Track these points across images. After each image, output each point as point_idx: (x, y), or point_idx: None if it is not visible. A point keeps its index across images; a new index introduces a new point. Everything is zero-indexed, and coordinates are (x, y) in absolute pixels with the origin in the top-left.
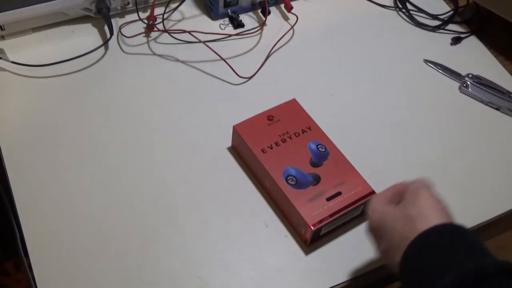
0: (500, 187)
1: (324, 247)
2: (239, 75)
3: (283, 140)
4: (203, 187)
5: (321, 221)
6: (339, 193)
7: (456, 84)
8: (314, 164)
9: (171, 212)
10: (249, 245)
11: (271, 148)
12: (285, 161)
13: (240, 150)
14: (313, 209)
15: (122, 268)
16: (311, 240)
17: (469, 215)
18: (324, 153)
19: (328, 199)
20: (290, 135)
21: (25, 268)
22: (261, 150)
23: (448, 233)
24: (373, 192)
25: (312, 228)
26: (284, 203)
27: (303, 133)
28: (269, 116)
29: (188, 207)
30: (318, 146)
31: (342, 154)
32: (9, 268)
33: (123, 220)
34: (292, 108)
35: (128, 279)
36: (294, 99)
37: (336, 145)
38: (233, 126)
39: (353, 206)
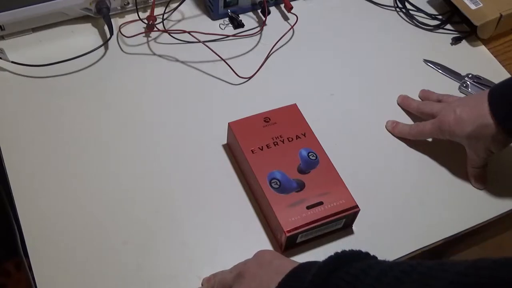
0: (500, 187)
1: (300, 255)
2: (239, 75)
3: (275, 143)
4: (202, 186)
5: (296, 228)
6: (320, 203)
7: (456, 84)
8: (302, 171)
9: (171, 212)
10: (240, 244)
11: (261, 149)
12: (272, 164)
13: (233, 148)
14: (291, 215)
15: (122, 268)
16: (286, 246)
17: (469, 215)
18: (313, 161)
19: (309, 207)
20: (283, 139)
21: (25, 268)
22: (251, 150)
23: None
24: (356, 207)
25: (286, 234)
26: (265, 205)
27: (296, 138)
28: (266, 118)
29: (186, 205)
30: (309, 154)
31: (332, 165)
32: (9, 268)
33: (122, 220)
34: (291, 112)
35: (128, 279)
36: (295, 104)
37: (328, 155)
38: (228, 123)
39: (332, 218)
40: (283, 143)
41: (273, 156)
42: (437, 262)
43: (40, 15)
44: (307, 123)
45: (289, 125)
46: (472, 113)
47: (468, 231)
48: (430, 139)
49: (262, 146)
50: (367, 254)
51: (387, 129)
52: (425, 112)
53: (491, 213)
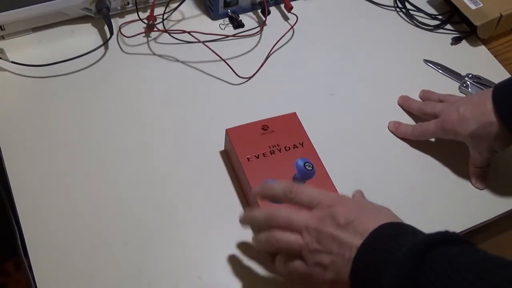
0: (500, 187)
1: None
2: (239, 75)
3: (272, 151)
4: (202, 187)
5: None
6: None
7: (456, 84)
8: (297, 182)
9: (171, 212)
10: (240, 244)
11: (257, 157)
12: (267, 173)
13: (230, 154)
14: None
15: (122, 268)
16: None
17: (469, 215)
18: (309, 172)
19: None
20: (280, 148)
21: (25, 268)
22: (247, 158)
23: (392, 227)
24: None
25: None
26: None
27: (294, 148)
28: (264, 126)
29: (186, 206)
30: (306, 164)
31: (328, 176)
32: (9, 268)
33: (122, 220)
34: (290, 121)
35: (128, 280)
36: (295, 113)
37: (325, 163)
38: (226, 130)
39: None
40: (280, 152)
41: (269, 164)
42: None
43: (40, 15)
44: (306, 133)
45: (287, 134)
46: (475, 111)
47: (468, 231)
48: (432, 139)
49: (258, 154)
50: (457, 237)
51: (389, 130)
52: (427, 112)
53: (491, 213)
